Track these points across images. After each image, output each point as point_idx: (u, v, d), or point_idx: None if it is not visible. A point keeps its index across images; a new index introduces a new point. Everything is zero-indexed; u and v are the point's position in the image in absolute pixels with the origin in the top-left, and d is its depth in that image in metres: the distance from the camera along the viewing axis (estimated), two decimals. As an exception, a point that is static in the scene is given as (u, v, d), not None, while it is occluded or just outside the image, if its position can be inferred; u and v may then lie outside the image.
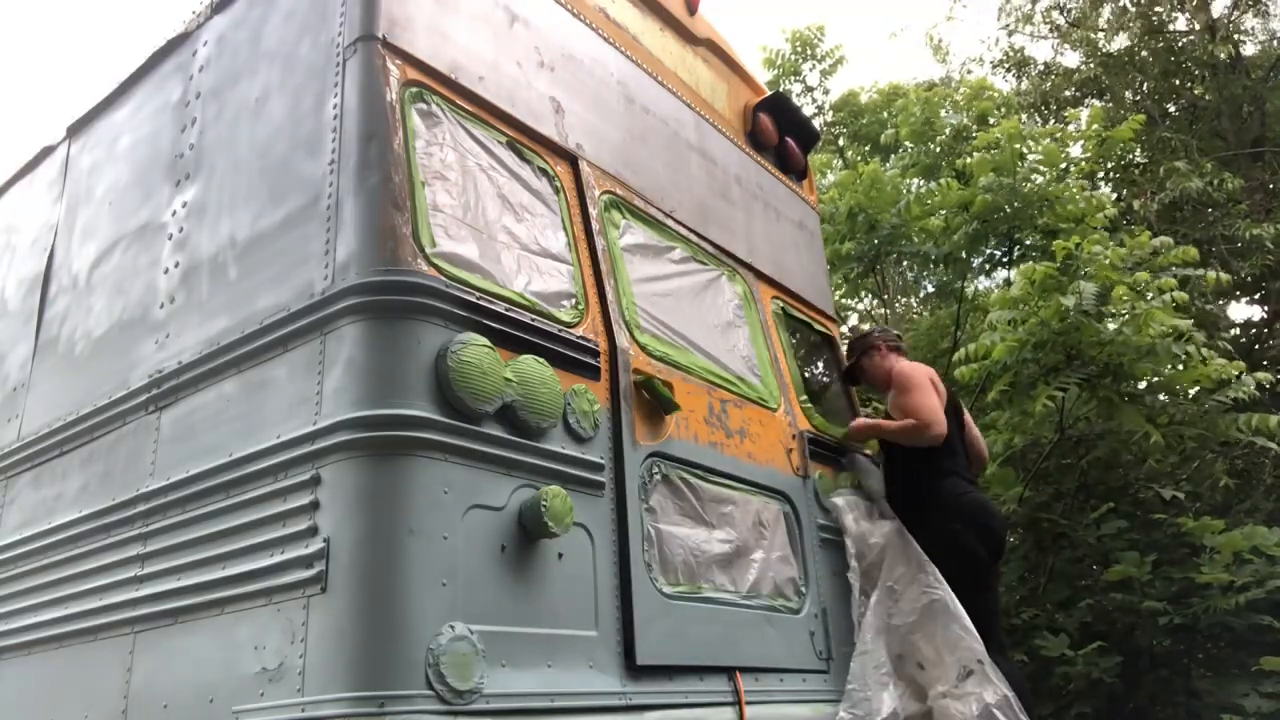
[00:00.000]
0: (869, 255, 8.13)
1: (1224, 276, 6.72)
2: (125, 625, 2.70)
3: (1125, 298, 5.93)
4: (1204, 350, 6.07)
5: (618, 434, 2.82)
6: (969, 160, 7.42)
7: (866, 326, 10.44)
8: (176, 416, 2.81)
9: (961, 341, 7.43)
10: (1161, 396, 6.58)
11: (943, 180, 7.69)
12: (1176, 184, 9.93)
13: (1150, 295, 6.04)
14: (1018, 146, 6.95)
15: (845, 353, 4.57)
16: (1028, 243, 7.48)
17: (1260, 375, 6.37)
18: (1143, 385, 6.56)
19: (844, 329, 9.57)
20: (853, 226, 7.93)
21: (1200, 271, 6.67)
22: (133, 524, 2.80)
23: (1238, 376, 6.13)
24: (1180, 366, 6.16)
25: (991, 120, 8.25)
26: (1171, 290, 6.07)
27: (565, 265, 2.95)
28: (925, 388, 4.00)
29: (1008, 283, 7.38)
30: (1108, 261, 6.10)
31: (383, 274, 2.38)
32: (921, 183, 8.56)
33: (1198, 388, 6.33)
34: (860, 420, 4.16)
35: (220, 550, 2.46)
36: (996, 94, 9.83)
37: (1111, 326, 5.97)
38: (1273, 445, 6.18)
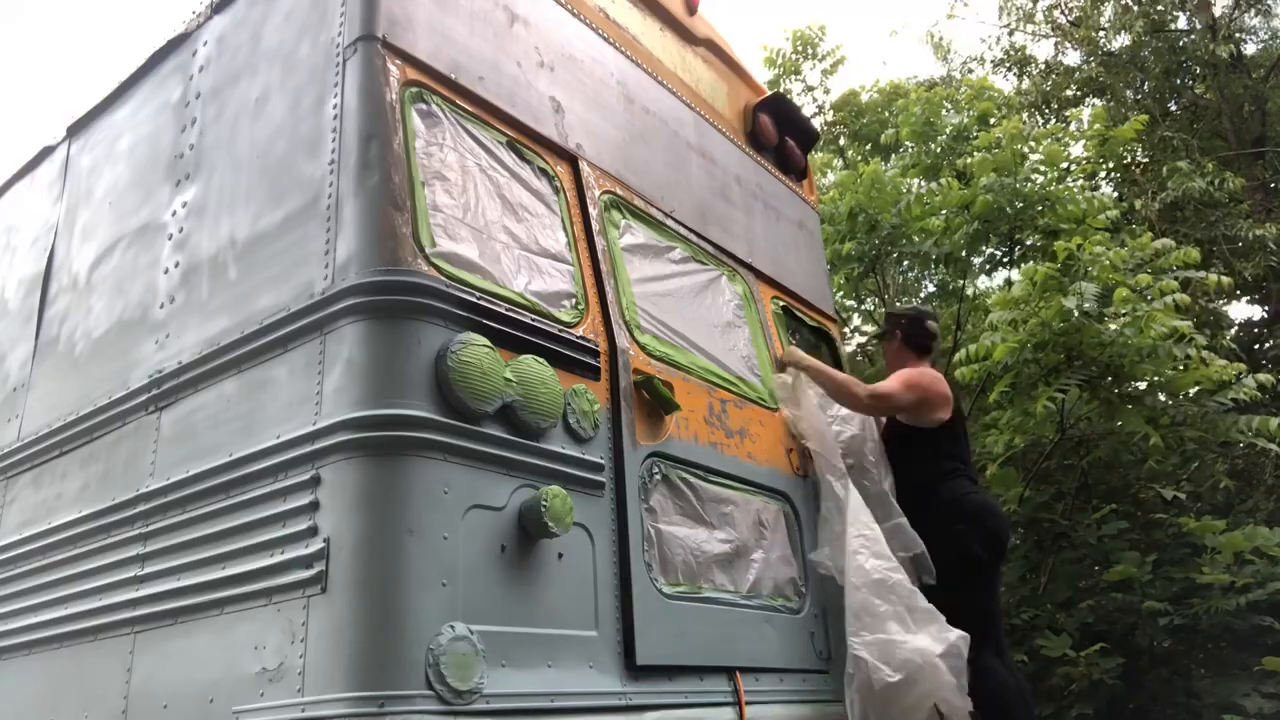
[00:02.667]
0: (869, 255, 8.13)
1: (1225, 280, 6.69)
2: (125, 625, 2.70)
3: (1127, 299, 5.92)
4: (1204, 352, 6.06)
5: (618, 434, 2.82)
6: (970, 160, 7.41)
7: (869, 327, 10.41)
8: (176, 416, 2.81)
9: (962, 342, 7.42)
10: (1162, 397, 6.57)
11: (943, 180, 7.68)
12: (1178, 184, 9.91)
13: (1152, 297, 6.03)
14: (1019, 147, 6.95)
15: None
16: (1029, 243, 7.48)
17: (1261, 377, 6.36)
18: (1143, 386, 6.56)
19: (845, 329, 9.56)
20: (853, 226, 7.92)
21: (1202, 274, 6.66)
22: (133, 524, 2.80)
23: (1238, 378, 6.12)
24: (1181, 368, 6.16)
25: (993, 120, 8.24)
26: (1173, 293, 6.06)
27: (565, 265, 2.94)
28: (914, 384, 3.87)
29: (1009, 283, 7.37)
30: (1109, 263, 6.09)
31: (383, 274, 2.37)
32: (922, 183, 8.55)
33: (1198, 389, 6.32)
34: (796, 351, 3.90)
35: (220, 550, 2.46)
36: (998, 94, 9.81)
37: (1113, 327, 5.97)
38: (1274, 447, 6.18)
